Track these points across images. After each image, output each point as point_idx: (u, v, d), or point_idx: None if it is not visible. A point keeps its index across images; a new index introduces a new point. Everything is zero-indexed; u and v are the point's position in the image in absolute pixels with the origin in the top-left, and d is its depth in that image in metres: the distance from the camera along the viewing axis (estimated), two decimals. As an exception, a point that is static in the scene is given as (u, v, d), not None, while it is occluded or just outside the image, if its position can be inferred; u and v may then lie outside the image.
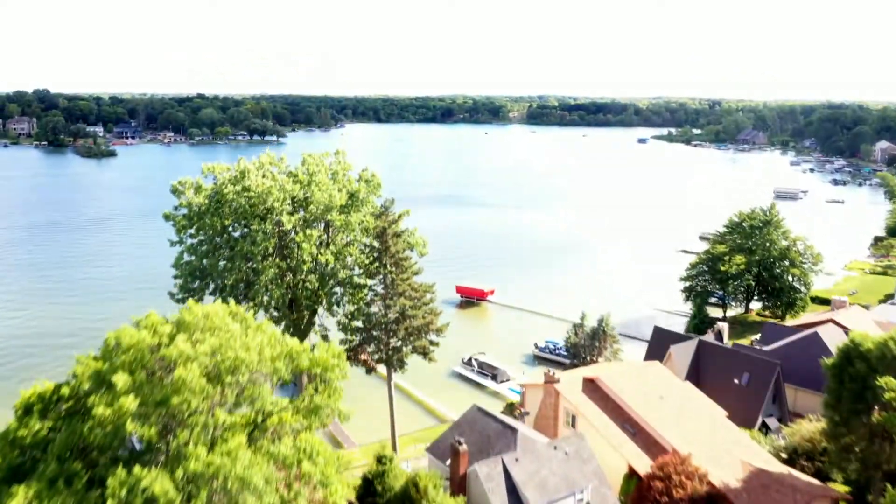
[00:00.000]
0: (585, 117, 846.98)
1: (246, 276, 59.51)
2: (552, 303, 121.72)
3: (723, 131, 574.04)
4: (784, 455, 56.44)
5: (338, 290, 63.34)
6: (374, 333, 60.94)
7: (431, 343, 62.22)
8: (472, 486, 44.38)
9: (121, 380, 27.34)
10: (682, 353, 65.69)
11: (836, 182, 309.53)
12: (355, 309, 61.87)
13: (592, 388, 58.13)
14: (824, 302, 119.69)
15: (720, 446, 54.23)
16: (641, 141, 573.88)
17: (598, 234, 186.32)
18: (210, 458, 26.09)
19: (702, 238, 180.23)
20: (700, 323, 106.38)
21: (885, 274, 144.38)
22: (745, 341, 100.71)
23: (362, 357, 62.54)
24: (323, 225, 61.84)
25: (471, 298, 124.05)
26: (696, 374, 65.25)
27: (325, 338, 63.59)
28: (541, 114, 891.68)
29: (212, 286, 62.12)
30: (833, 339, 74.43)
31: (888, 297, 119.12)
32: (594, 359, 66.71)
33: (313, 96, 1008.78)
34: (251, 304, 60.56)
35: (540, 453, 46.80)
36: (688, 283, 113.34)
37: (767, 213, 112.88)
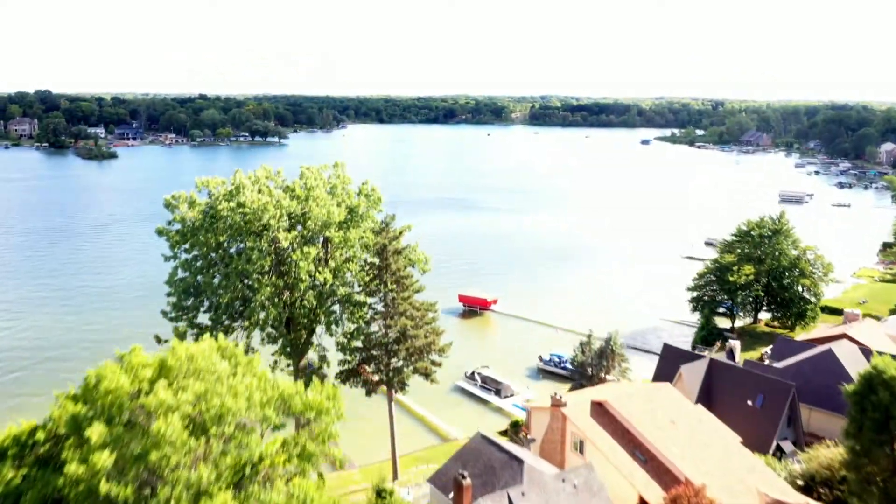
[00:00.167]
0: (588, 118, 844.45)
1: (242, 294, 57.35)
2: (556, 312, 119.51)
3: (726, 132, 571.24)
4: (801, 482, 54.17)
5: (336, 308, 61.11)
6: (374, 353, 58.78)
7: (433, 363, 60.03)
8: (477, 522, 42.17)
9: (95, 433, 25.19)
10: (693, 373, 63.46)
11: (841, 185, 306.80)
12: (355, 328, 59.72)
13: (601, 411, 55.90)
14: (834, 311, 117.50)
15: (734, 474, 52.00)
16: (644, 142, 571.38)
17: (603, 239, 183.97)
18: (193, 517, 24.02)
19: (707, 244, 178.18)
20: (708, 335, 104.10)
21: (894, 282, 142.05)
22: (754, 354, 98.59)
23: (363, 374, 60.35)
24: (321, 241, 59.60)
25: (474, 308, 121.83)
26: (708, 395, 63.03)
27: (322, 358, 61.47)
28: (543, 114, 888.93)
29: (206, 304, 59.94)
30: (848, 356, 72.29)
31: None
32: (602, 377, 64.51)
33: (315, 97, 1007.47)
34: (247, 322, 58.42)
35: (547, 486, 44.59)
36: (695, 293, 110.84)
37: (777, 222, 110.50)
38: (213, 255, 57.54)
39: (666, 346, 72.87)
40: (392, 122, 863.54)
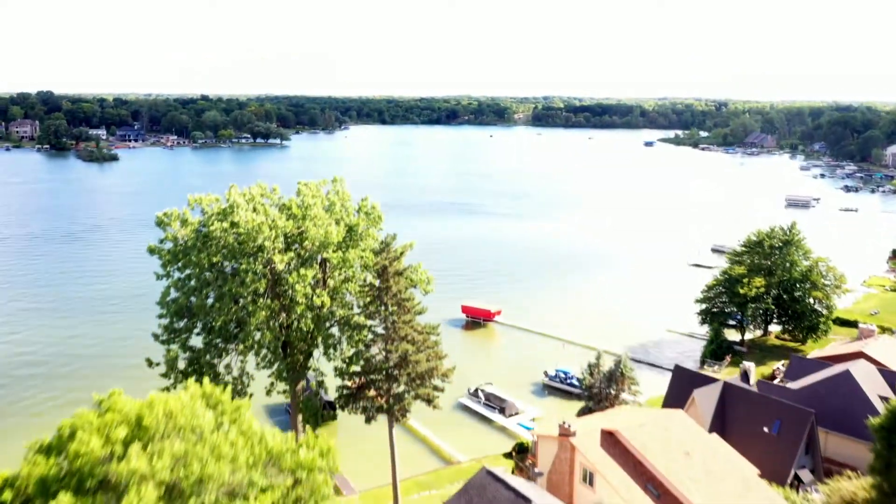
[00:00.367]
0: (591, 119, 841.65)
1: (236, 316, 54.86)
2: (561, 323, 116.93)
3: (730, 134, 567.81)
4: (821, 517, 51.55)
5: (335, 331, 58.55)
6: (374, 377, 56.27)
7: (436, 388, 57.49)
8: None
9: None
10: (707, 398, 60.93)
11: (847, 189, 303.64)
12: (354, 353, 57.22)
13: (612, 441, 53.34)
14: (845, 323, 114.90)
15: (752, 510, 49.45)
16: (648, 144, 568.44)
17: (607, 245, 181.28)
18: None
19: (714, 250, 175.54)
20: (717, 348, 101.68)
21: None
22: (766, 369, 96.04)
23: (371, 397, 57.71)
24: (319, 261, 57.06)
25: (477, 319, 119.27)
26: (722, 421, 60.48)
27: (320, 383, 59.00)
28: (546, 115, 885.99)
29: (199, 326, 57.45)
30: (865, 377, 69.73)
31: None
32: (611, 401, 62.04)
33: (318, 97, 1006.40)
34: (242, 346, 55.95)
35: (556, 528, 42.07)
36: (704, 306, 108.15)
37: (788, 233, 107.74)
38: (207, 274, 54.96)
39: (677, 368, 70.27)
40: (394, 123, 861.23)
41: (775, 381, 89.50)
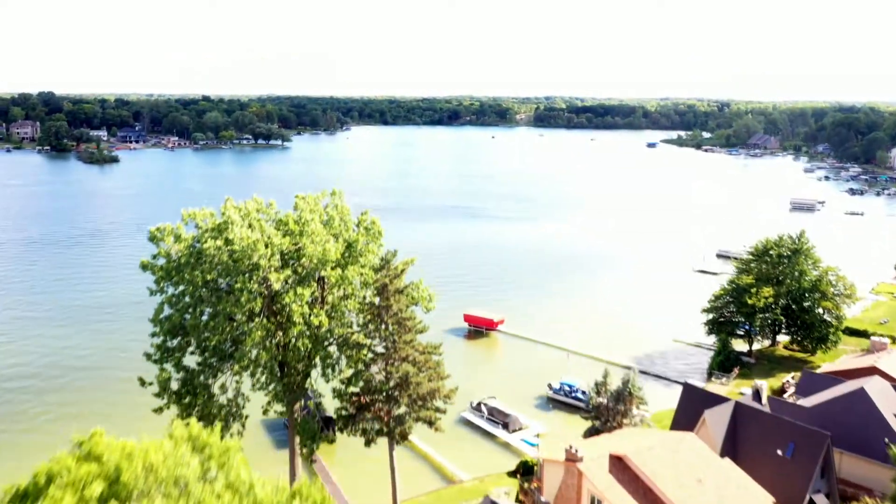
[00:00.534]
0: (593, 120, 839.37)
1: (231, 336, 52.94)
2: (565, 333, 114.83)
3: (733, 135, 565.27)
4: (838, 546, 49.62)
5: (333, 349, 56.57)
6: (374, 399, 54.36)
7: (438, 410, 55.53)
8: None
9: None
10: (718, 419, 58.92)
11: (853, 191, 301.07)
12: (353, 373, 55.28)
13: (620, 467, 51.39)
14: (855, 332, 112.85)
15: (768, 540, 47.50)
16: (651, 145, 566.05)
17: (611, 250, 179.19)
18: None
19: (720, 256, 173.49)
20: (725, 360, 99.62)
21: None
22: (775, 382, 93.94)
23: (365, 415, 55.83)
24: (316, 277, 55.08)
25: (479, 328, 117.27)
26: (733, 442, 58.48)
27: (318, 405, 57.09)
28: (548, 116, 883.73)
29: (193, 344, 55.53)
30: (880, 395, 67.66)
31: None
32: (619, 422, 60.10)
33: (319, 97, 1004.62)
34: (237, 366, 54.02)
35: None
36: (711, 316, 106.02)
37: (797, 241, 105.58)
38: (202, 292, 53.06)
39: (687, 387, 68.24)
40: (396, 124, 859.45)
41: (786, 395, 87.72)
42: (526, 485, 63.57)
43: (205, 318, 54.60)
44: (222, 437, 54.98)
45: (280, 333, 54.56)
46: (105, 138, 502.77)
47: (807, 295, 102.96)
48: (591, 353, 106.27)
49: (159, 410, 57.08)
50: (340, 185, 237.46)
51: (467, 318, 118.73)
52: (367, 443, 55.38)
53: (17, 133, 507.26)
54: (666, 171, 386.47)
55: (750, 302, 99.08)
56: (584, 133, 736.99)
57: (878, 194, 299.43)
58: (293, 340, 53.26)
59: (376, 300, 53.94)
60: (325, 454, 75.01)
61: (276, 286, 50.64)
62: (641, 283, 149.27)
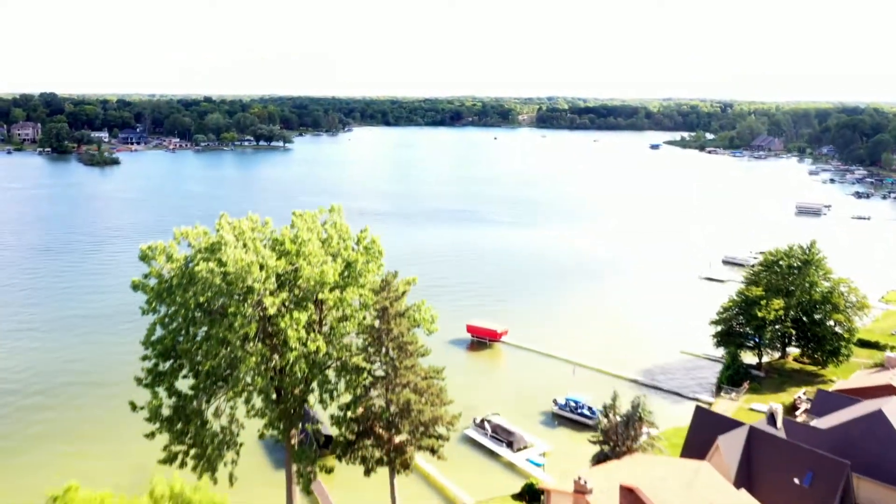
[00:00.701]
0: (595, 120, 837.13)
1: (224, 361, 50.69)
2: (570, 344, 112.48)
3: (737, 137, 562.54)
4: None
5: (331, 374, 54.27)
6: (374, 425, 52.10)
7: (441, 437, 53.25)
8: None
9: None
10: (732, 445, 56.62)
11: (859, 195, 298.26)
12: (352, 399, 53.01)
13: (631, 499, 48.93)
14: (866, 344, 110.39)
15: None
16: (654, 147, 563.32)
17: (616, 256, 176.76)
18: None
19: (726, 262, 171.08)
20: (735, 374, 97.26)
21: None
22: (787, 397, 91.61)
23: (364, 443, 53.56)
24: (314, 298, 52.79)
25: (483, 339, 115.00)
26: (748, 470, 56.16)
27: (317, 431, 54.87)
28: (550, 117, 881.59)
29: (186, 368, 53.32)
30: (899, 417, 65.20)
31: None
32: (629, 446, 57.80)
33: (321, 98, 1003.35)
34: (231, 392, 51.78)
35: None
36: (719, 328, 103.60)
37: (807, 252, 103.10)
38: (194, 314, 50.87)
39: (699, 410, 65.84)
40: (398, 125, 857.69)
41: (799, 412, 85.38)
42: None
43: (198, 340, 52.41)
44: (214, 470, 52.92)
45: (276, 357, 52.35)
46: (106, 140, 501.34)
47: (818, 307, 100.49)
48: (596, 366, 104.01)
49: (151, 436, 54.93)
50: (342, 188, 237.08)
51: (470, 328, 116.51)
52: (367, 472, 53.10)
53: (18, 135, 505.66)
54: (670, 173, 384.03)
55: (760, 315, 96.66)
56: (587, 134, 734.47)
57: (884, 197, 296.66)
58: (289, 365, 50.98)
59: (376, 323, 51.62)
60: (324, 475, 72.79)
61: (271, 311, 48.36)
62: (647, 291, 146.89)
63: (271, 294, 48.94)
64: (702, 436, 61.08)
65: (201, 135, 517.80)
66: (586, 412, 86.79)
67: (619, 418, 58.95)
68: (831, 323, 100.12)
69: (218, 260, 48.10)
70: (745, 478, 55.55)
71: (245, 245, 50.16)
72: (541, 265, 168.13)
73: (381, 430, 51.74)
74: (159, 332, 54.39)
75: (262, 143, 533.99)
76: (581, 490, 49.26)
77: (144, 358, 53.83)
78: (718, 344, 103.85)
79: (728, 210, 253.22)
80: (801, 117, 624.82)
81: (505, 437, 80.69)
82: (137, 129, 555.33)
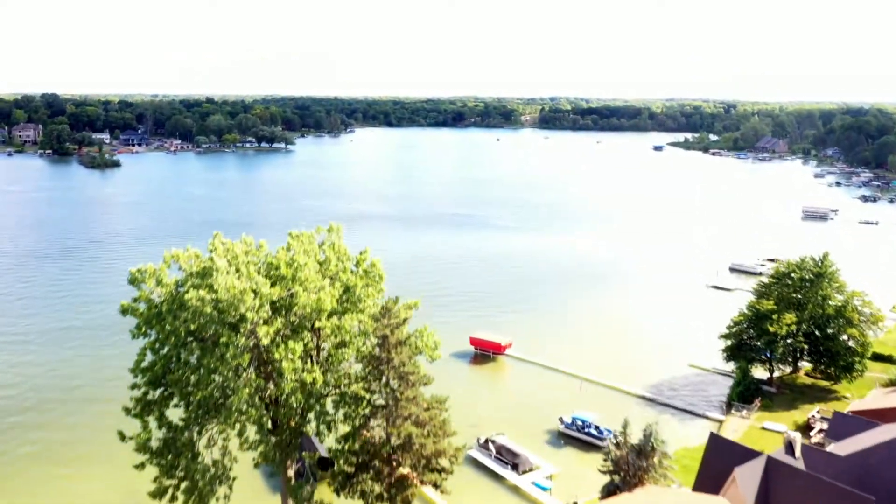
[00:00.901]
0: (599, 121, 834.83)
1: (216, 392, 48.24)
2: (575, 357, 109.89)
3: (741, 138, 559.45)
4: None
5: (329, 405, 51.73)
6: (374, 458, 49.63)
7: (444, 471, 50.74)
8: None
9: None
10: (749, 477, 53.99)
11: (865, 199, 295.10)
12: (350, 431, 50.52)
13: (645, 539, 46.52)
14: (880, 358, 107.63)
15: None
16: (657, 148, 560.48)
17: (621, 263, 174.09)
18: None
19: (733, 270, 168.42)
20: (745, 390, 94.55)
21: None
22: (800, 416, 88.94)
23: (363, 477, 51.09)
24: (310, 326, 50.28)
25: (486, 352, 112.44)
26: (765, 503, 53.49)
27: (313, 466, 52.38)
28: (553, 118, 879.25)
29: (177, 397, 50.88)
30: (921, 443, 62.49)
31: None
32: (640, 477, 55.32)
33: (323, 98, 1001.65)
34: (223, 425, 49.31)
35: None
36: (730, 342, 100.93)
37: (820, 264, 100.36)
38: (184, 342, 48.44)
39: (713, 438, 63.21)
40: (400, 126, 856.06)
41: (813, 432, 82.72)
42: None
43: (189, 368, 49.98)
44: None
45: (271, 386, 49.87)
46: (107, 141, 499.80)
47: (831, 321, 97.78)
48: (603, 381, 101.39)
49: (141, 466, 52.58)
50: (343, 190, 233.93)
51: (473, 341, 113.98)
52: (367, 508, 50.58)
53: (20, 136, 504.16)
54: (674, 175, 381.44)
55: (772, 329, 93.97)
56: (590, 135, 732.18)
57: (891, 201, 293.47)
58: (285, 396, 48.49)
59: (376, 351, 49.13)
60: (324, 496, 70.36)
61: (265, 341, 45.87)
62: (653, 299, 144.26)
63: (265, 322, 46.45)
64: (716, 465, 58.44)
65: (203, 136, 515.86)
66: (593, 431, 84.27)
67: (629, 447, 56.36)
68: (844, 337, 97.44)
69: (209, 286, 45.62)
70: (762, 511, 52.91)
71: (238, 270, 47.65)
72: (544, 271, 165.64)
73: (381, 464, 49.21)
74: (149, 357, 52.06)
75: (263, 144, 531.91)
76: (592, 529, 46.71)
77: (133, 386, 51.42)
78: (728, 358, 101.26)
79: (734, 214, 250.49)
80: (805, 118, 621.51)
81: (510, 458, 78.10)
82: (139, 131, 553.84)
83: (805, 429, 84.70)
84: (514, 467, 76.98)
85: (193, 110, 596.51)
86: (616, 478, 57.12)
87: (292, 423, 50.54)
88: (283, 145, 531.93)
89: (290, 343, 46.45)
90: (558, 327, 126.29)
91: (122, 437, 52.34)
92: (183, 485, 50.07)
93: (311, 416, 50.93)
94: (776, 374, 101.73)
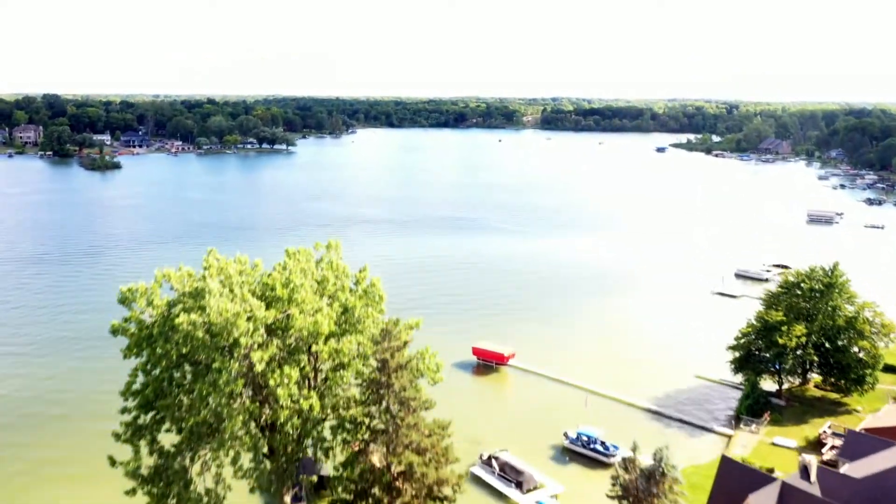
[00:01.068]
0: (601, 122, 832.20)
1: (208, 418, 46.28)
2: (580, 368, 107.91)
3: (744, 140, 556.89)
4: None
5: (326, 432, 49.76)
6: (373, 488, 47.65)
7: (446, 500, 48.75)
8: None
9: None
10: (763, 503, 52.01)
11: (870, 202, 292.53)
12: (349, 458, 48.56)
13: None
14: (891, 369, 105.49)
15: None
16: (660, 150, 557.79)
17: (626, 269, 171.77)
18: None
19: (738, 276, 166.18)
20: (754, 403, 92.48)
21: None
22: (811, 430, 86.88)
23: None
24: (306, 349, 48.29)
25: (489, 363, 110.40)
26: (781, 532, 51.54)
27: (310, 492, 50.42)
28: (555, 118, 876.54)
29: (168, 422, 48.94)
30: (939, 465, 60.45)
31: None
32: (651, 503, 53.26)
33: (325, 98, 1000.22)
34: (216, 453, 47.35)
35: None
36: (738, 353, 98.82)
37: (830, 274, 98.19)
38: (175, 366, 46.50)
39: (725, 461, 61.19)
40: (402, 126, 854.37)
41: (825, 449, 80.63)
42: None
43: (181, 391, 48.04)
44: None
45: (267, 411, 47.90)
46: (108, 142, 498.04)
47: (841, 333, 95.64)
48: (608, 393, 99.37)
49: (132, 492, 50.65)
50: (344, 193, 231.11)
51: (476, 351, 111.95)
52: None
53: (20, 137, 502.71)
54: (677, 177, 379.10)
55: (781, 341, 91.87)
56: (592, 136, 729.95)
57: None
58: (280, 422, 46.51)
59: (376, 374, 47.12)
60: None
61: (259, 367, 43.89)
62: (658, 307, 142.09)
63: (260, 347, 44.46)
64: (729, 489, 56.44)
65: (204, 137, 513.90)
66: (599, 447, 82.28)
67: (639, 470, 54.30)
68: (855, 349, 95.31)
69: (201, 308, 43.64)
70: (778, 541, 50.92)
71: (231, 290, 45.67)
72: (547, 277, 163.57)
73: (381, 493, 47.26)
74: (140, 378, 50.16)
75: (264, 145, 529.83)
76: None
77: (123, 410, 49.50)
78: (736, 370, 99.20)
79: (738, 217, 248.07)
80: (808, 119, 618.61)
81: (514, 476, 76.08)
82: (140, 132, 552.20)
83: (816, 445, 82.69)
84: (518, 485, 75.01)
85: (194, 111, 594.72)
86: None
87: (289, 450, 48.56)
88: (284, 146, 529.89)
89: (286, 368, 44.52)
90: (562, 336, 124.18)
91: (113, 462, 50.48)
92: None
93: (308, 441, 48.95)
94: (785, 385, 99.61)
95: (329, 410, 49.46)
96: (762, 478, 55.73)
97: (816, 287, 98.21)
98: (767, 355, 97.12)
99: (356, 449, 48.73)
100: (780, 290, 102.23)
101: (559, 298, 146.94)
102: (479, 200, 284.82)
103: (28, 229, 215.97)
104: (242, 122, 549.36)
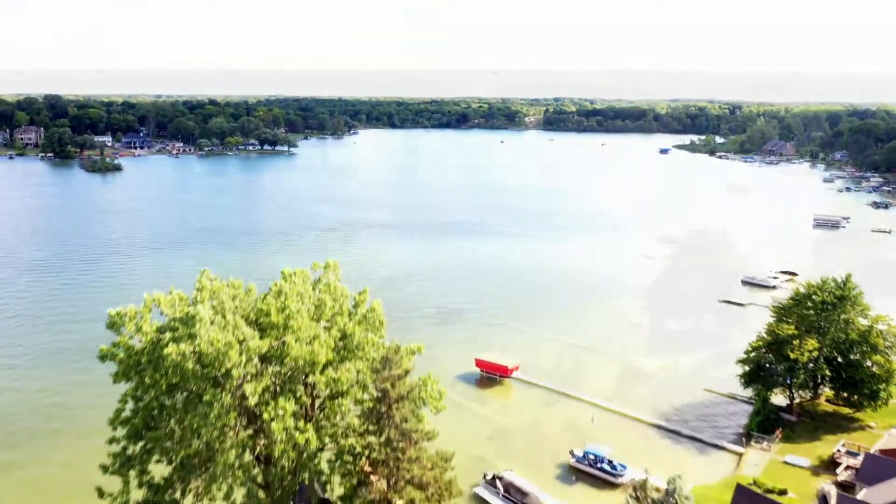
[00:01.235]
0: (604, 123, 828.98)
1: (200, 451, 44.10)
2: (584, 378, 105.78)
3: (748, 141, 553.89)
4: None
5: (324, 465, 47.59)
6: (373, 522, 45.43)
7: (450, 535, 46.52)
8: None
9: None
10: (781, 537, 49.88)
11: (877, 205, 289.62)
12: (348, 491, 46.32)
13: None
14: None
15: None
16: (663, 151, 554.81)
17: (630, 275, 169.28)
18: None
19: (745, 283, 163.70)
20: (765, 419, 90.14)
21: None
22: (825, 449, 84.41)
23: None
24: (302, 379, 46.07)
25: (493, 375, 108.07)
26: (800, 566, 49.30)
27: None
28: (557, 119, 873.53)
29: (158, 453, 46.73)
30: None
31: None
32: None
33: (327, 99, 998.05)
34: (209, 484, 45.13)
35: None
36: (747, 367, 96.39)
37: (842, 287, 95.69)
38: (164, 398, 44.30)
39: (741, 491, 58.95)
40: (404, 127, 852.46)
41: (839, 469, 78.26)
42: None
43: (171, 422, 45.82)
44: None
45: (262, 442, 45.66)
46: (109, 144, 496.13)
47: (854, 347, 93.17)
48: (615, 408, 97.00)
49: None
50: (346, 198, 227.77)
51: (479, 363, 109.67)
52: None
53: (21, 139, 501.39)
54: (680, 180, 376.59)
55: (793, 356, 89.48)
56: (595, 137, 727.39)
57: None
58: (276, 456, 44.27)
59: (375, 404, 44.87)
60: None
61: (253, 401, 41.66)
62: (664, 316, 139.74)
63: (253, 378, 42.23)
64: (744, 520, 54.22)
65: (205, 139, 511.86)
66: (607, 467, 79.97)
67: (650, 502, 52.07)
68: (869, 364, 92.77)
69: (191, 337, 41.40)
70: (797, 577, 48.63)
71: (224, 317, 43.42)
72: (549, 283, 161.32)
73: (380, 528, 45.06)
74: (130, 405, 47.96)
75: (266, 147, 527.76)
76: None
77: (112, 440, 47.27)
78: (746, 384, 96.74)
79: (743, 223, 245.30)
80: (812, 120, 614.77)
81: (519, 497, 73.76)
82: (141, 133, 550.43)
83: (830, 464, 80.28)
84: (523, 508, 72.72)
85: (196, 112, 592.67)
86: (636, 534, 52.84)
87: (284, 483, 46.37)
88: (285, 148, 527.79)
89: (281, 400, 42.30)
90: (566, 346, 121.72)
91: (101, 493, 48.27)
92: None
93: (304, 475, 46.71)
94: (796, 399, 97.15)
95: (327, 440, 47.25)
96: (779, 509, 53.40)
97: (828, 299, 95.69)
98: (778, 369, 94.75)
99: (356, 482, 46.49)
100: (790, 302, 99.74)
101: (562, 306, 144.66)
102: (482, 203, 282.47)
103: (26, 235, 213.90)
104: (244, 123, 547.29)
